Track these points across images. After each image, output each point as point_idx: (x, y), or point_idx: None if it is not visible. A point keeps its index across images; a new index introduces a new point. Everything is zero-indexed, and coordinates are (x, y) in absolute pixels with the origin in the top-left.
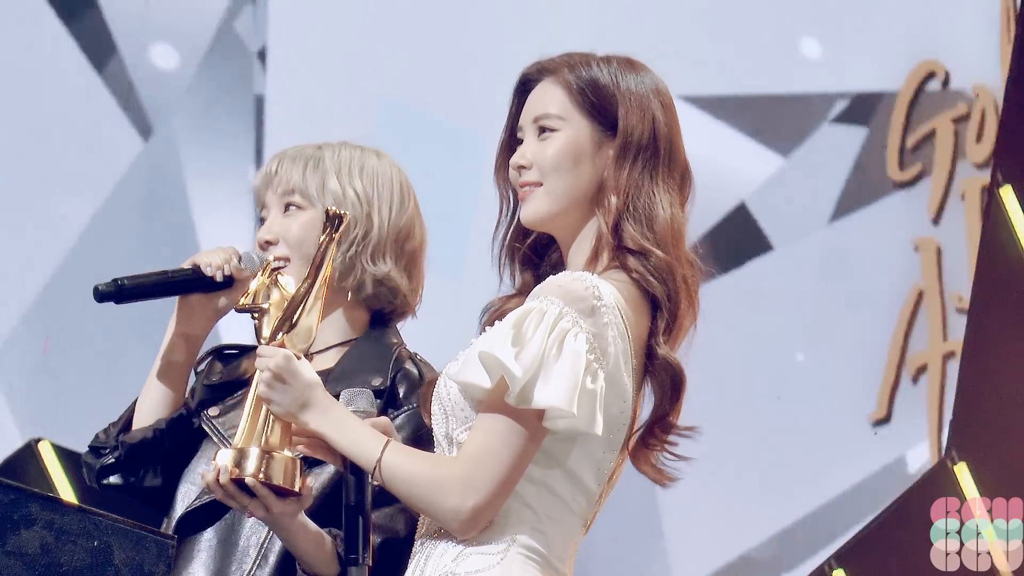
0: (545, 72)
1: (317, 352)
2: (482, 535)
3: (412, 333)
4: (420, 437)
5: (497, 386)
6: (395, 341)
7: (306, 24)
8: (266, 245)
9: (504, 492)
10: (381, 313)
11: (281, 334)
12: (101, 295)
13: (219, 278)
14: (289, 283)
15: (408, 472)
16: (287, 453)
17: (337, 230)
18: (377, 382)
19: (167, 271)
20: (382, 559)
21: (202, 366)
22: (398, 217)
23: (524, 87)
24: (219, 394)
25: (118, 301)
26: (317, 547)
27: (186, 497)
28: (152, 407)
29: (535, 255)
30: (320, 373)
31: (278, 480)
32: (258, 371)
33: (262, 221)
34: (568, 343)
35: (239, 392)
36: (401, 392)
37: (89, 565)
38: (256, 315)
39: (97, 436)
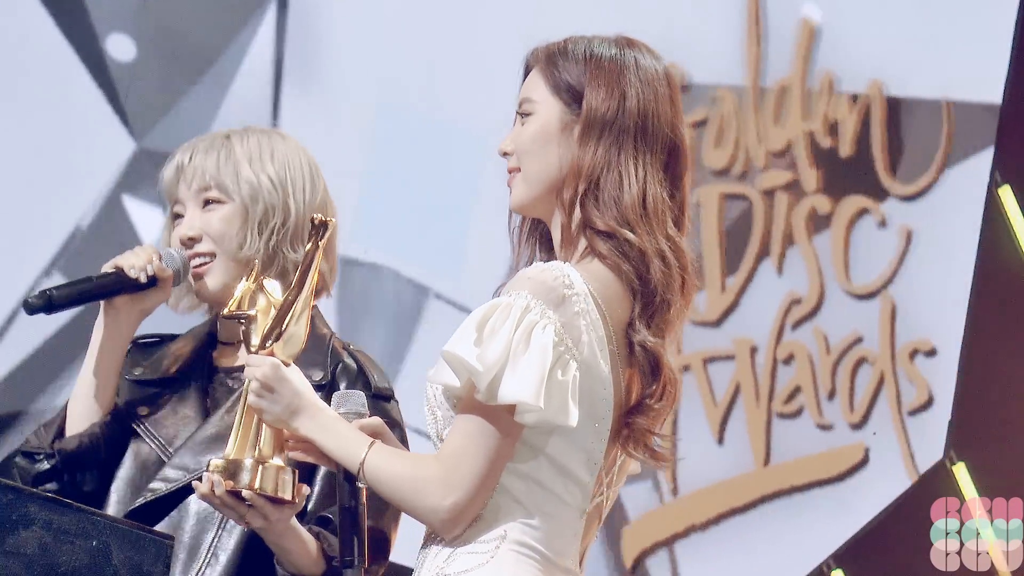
0: (534, 59)
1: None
2: (471, 533)
3: (411, 331)
4: None
5: (469, 384)
6: (325, 331)
7: (318, 30)
8: (189, 242)
9: (484, 489)
10: None
11: (271, 342)
12: (32, 308)
13: (143, 279)
14: (275, 289)
15: (390, 473)
16: (279, 462)
17: (323, 237)
18: (318, 376)
19: (92, 277)
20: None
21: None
22: (312, 199)
23: (526, 76)
24: (143, 390)
25: (48, 312)
26: (304, 548)
27: (119, 495)
28: (85, 411)
29: (548, 233)
30: None
31: (273, 490)
32: (247, 380)
33: (175, 216)
34: (536, 336)
35: (168, 392)
36: (342, 387)
37: (87, 565)
38: (243, 321)
39: (29, 440)
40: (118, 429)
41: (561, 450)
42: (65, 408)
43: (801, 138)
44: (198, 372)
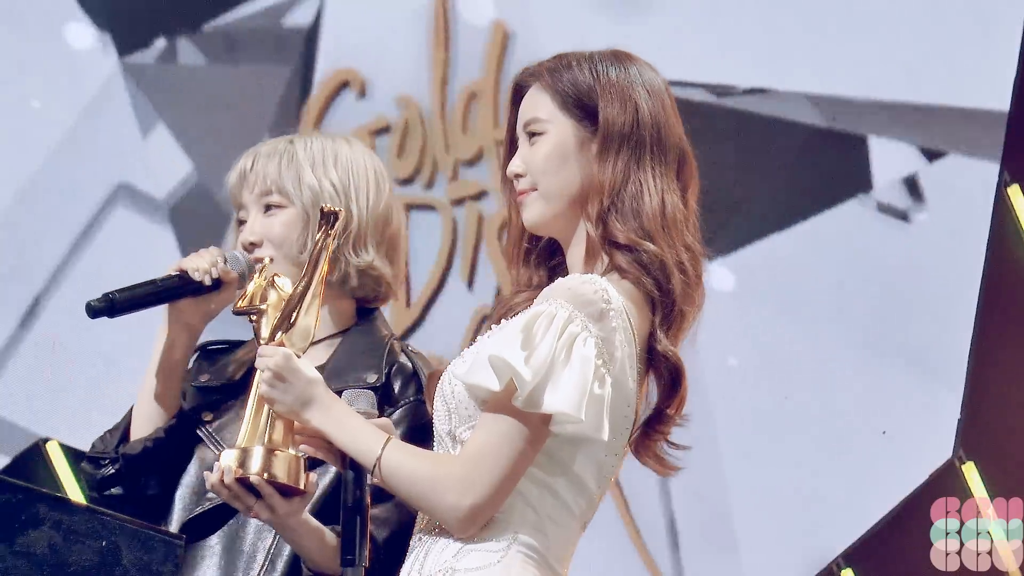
0: (532, 77)
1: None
2: (484, 533)
3: (413, 329)
4: (418, 431)
5: (504, 388)
6: (385, 333)
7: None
8: (250, 247)
9: (503, 492)
10: (366, 301)
11: (280, 333)
12: (95, 311)
13: (207, 282)
14: (286, 284)
15: (408, 470)
16: (291, 451)
17: (332, 227)
18: (372, 378)
19: (155, 280)
20: (387, 553)
21: (189, 367)
22: (376, 204)
23: (517, 95)
24: (209, 396)
25: (111, 315)
26: (322, 544)
27: (183, 502)
28: (150, 415)
29: (547, 252)
30: None
31: (283, 478)
32: (258, 371)
33: (240, 222)
34: (577, 348)
35: (232, 398)
36: (396, 387)
37: (97, 565)
38: (254, 317)
39: (94, 445)
40: (183, 434)
41: (579, 462)
42: (130, 412)
43: (493, 146)
44: None
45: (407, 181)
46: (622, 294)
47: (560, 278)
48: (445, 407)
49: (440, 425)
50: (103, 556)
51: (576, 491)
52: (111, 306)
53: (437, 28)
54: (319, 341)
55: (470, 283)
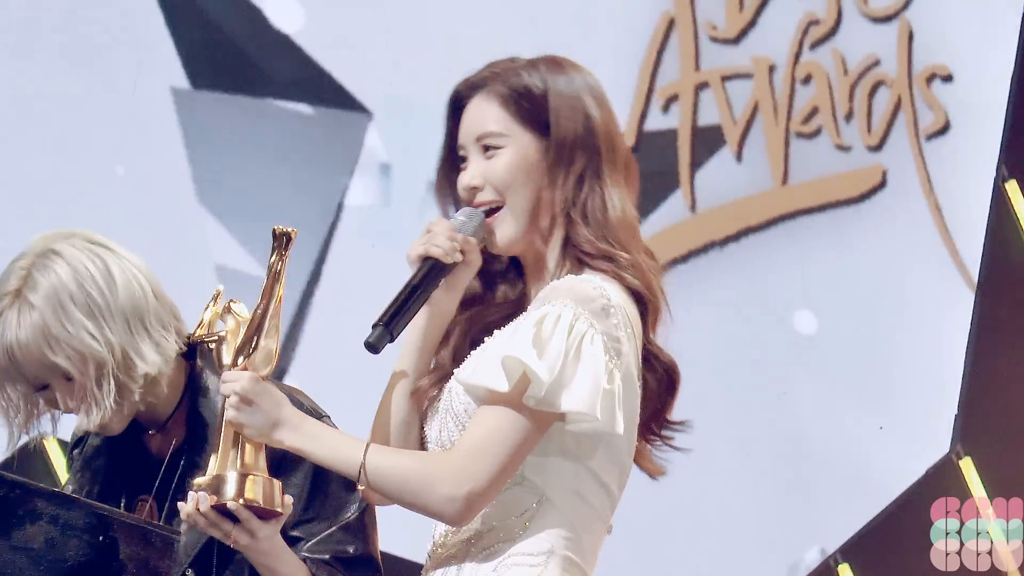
0: (475, 87)
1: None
2: (522, 544)
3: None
4: None
5: (517, 388)
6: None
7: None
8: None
9: (499, 483)
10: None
11: (242, 358)
12: (375, 348)
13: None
14: (243, 310)
15: (397, 469)
16: (263, 473)
17: (286, 248)
18: None
19: (411, 282)
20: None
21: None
22: (134, 305)
23: (456, 104)
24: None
25: (392, 340)
26: (296, 568)
27: None
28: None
29: (502, 273)
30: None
31: (259, 501)
32: (225, 396)
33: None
34: (586, 346)
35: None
36: None
37: (94, 560)
38: (213, 344)
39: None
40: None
41: (602, 464)
42: None
43: None
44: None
45: None
46: (617, 292)
47: (555, 282)
48: (455, 420)
49: (445, 436)
50: (100, 551)
51: (603, 495)
52: (390, 335)
53: None
54: (168, 419)
55: None
